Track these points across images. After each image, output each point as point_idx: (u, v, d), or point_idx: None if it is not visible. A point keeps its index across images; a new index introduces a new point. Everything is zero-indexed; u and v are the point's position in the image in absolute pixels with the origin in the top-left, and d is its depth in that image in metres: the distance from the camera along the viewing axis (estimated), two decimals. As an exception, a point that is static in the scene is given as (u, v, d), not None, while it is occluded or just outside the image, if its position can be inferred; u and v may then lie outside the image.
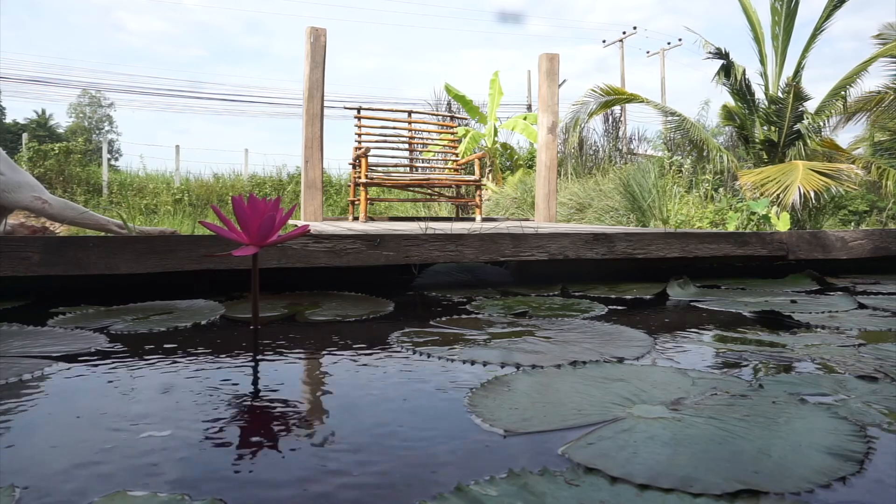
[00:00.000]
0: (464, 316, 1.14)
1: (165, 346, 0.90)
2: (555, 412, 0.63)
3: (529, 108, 15.98)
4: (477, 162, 4.80)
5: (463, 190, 7.84)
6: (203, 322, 1.06)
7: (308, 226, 1.09)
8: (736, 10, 7.48)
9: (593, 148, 10.90)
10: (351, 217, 5.01)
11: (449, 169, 5.37)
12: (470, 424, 0.59)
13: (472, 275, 1.62)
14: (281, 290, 1.38)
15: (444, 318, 1.10)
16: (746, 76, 7.13)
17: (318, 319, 1.11)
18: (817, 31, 7.06)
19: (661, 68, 21.51)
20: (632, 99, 8.06)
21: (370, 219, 4.71)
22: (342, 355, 0.89)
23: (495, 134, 11.26)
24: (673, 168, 7.45)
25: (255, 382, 0.75)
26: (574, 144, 9.58)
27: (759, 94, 7.39)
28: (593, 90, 7.60)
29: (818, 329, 1.05)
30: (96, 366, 0.80)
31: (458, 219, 5.23)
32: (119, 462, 0.51)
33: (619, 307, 1.27)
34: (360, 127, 5.03)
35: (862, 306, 1.26)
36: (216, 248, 1.30)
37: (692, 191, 7.15)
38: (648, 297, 1.42)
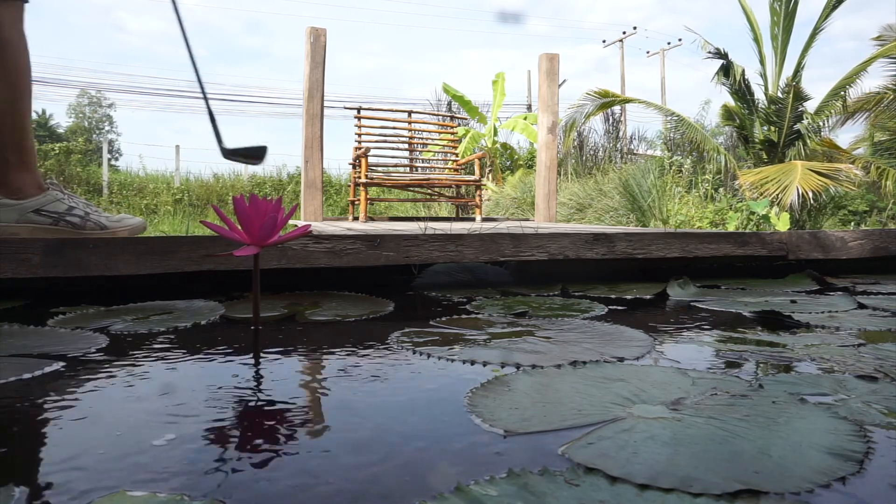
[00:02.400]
0: (464, 316, 1.14)
1: (165, 346, 0.90)
2: (555, 412, 0.63)
3: (529, 108, 15.97)
4: (477, 162, 4.80)
5: (463, 190, 7.84)
6: (203, 322, 1.06)
7: (309, 225, 1.08)
8: (736, 10, 7.50)
9: (593, 148, 10.90)
10: (351, 217, 5.01)
11: (449, 169, 5.37)
12: (470, 424, 0.59)
13: (472, 275, 1.62)
14: (281, 290, 1.38)
15: (444, 318, 1.10)
16: (746, 76, 7.13)
17: (318, 319, 1.11)
18: (816, 30, 7.06)
19: (661, 68, 21.51)
20: (626, 101, 8.08)
21: (370, 219, 4.71)
22: (342, 355, 0.89)
23: (495, 134, 11.26)
24: (673, 168, 7.46)
25: (254, 382, 0.75)
26: (571, 147, 9.59)
27: (759, 94, 7.39)
28: (589, 93, 7.63)
29: (818, 329, 1.05)
30: (96, 366, 0.80)
31: (458, 219, 5.23)
32: (118, 462, 0.51)
33: (619, 307, 1.27)
34: (360, 127, 5.03)
35: (862, 306, 1.26)
36: (217, 248, 1.29)
37: (692, 191, 7.15)
38: (648, 297, 1.42)
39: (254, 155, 1.35)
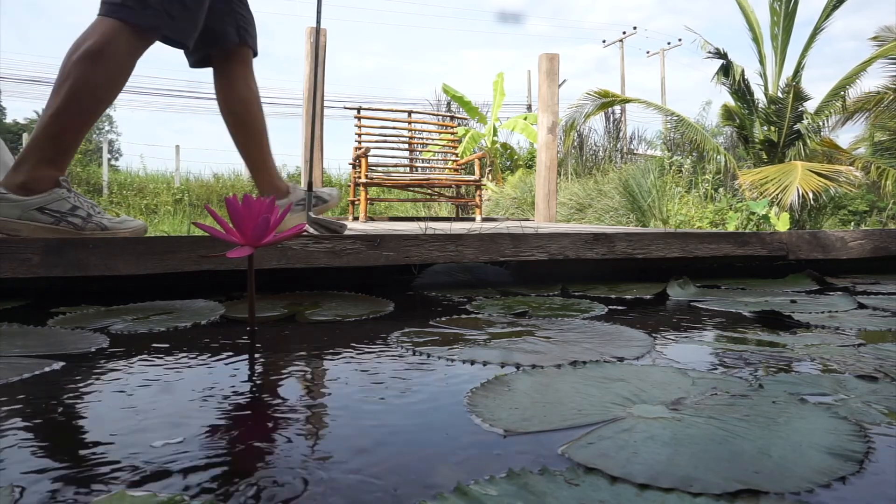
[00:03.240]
0: (464, 316, 1.14)
1: (165, 345, 0.90)
2: (555, 412, 0.63)
3: (529, 108, 15.97)
4: (477, 162, 4.80)
5: (463, 190, 7.84)
6: (203, 322, 1.06)
7: (303, 225, 1.08)
8: (736, 10, 7.49)
9: (593, 148, 10.91)
10: (351, 217, 5.01)
11: (449, 169, 5.37)
12: (470, 424, 0.59)
13: (472, 275, 1.62)
14: (281, 290, 1.38)
15: (443, 318, 1.10)
16: (746, 76, 7.13)
17: (318, 319, 1.11)
18: (817, 30, 7.06)
19: (661, 68, 21.53)
20: (626, 101, 8.09)
21: (370, 219, 4.71)
22: (342, 355, 0.89)
23: (495, 134, 11.25)
24: (673, 168, 7.46)
25: (254, 383, 0.75)
26: (571, 147, 9.61)
27: (759, 94, 7.39)
28: (589, 93, 7.65)
29: (818, 329, 1.05)
30: (96, 366, 0.80)
31: (458, 219, 5.24)
32: (118, 462, 0.51)
33: (619, 307, 1.27)
34: (360, 127, 5.03)
35: (862, 306, 1.26)
36: (217, 248, 1.29)
37: (692, 191, 7.15)
38: (648, 297, 1.42)
39: (332, 228, 1.64)
